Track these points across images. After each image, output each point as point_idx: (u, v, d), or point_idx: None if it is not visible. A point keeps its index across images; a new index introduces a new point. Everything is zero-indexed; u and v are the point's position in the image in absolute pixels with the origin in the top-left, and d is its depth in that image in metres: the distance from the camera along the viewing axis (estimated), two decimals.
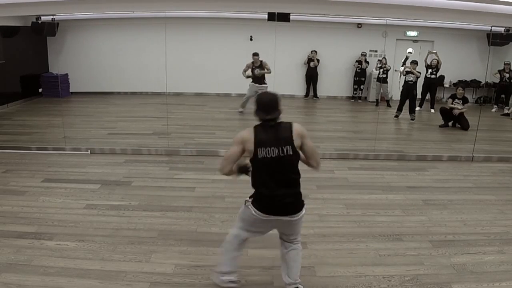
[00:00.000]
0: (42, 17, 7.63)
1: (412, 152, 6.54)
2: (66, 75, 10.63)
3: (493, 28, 7.29)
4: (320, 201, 4.56)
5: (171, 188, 4.83)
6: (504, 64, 9.59)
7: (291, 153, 2.59)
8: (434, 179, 5.42)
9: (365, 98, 11.42)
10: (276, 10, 6.01)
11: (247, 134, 2.61)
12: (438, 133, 8.13)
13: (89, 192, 4.62)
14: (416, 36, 10.82)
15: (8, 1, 5.96)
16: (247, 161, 2.70)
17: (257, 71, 8.47)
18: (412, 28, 10.53)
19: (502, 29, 7.37)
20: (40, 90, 10.29)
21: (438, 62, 9.36)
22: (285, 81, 10.64)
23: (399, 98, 9.10)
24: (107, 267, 3.16)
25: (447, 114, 8.41)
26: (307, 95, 11.33)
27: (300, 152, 2.70)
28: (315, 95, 11.20)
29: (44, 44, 10.74)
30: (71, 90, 10.80)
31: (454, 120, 8.45)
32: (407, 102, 8.88)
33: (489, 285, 3.05)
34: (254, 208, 2.65)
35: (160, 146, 6.30)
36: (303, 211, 2.72)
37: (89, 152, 6.14)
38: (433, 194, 4.86)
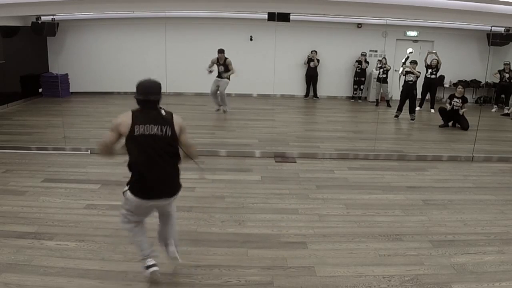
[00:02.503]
0: (42, 17, 7.61)
1: (412, 152, 6.54)
2: (66, 75, 10.62)
3: (493, 28, 7.29)
4: (320, 201, 4.56)
5: None
6: (504, 64, 9.59)
7: (169, 134, 2.62)
8: (434, 179, 5.42)
9: (365, 98, 11.42)
10: (276, 10, 6.01)
11: (122, 117, 2.64)
12: (438, 133, 8.13)
13: (89, 192, 4.62)
14: (416, 36, 10.82)
15: (8, 1, 5.96)
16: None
17: (220, 68, 8.58)
18: (412, 28, 10.53)
19: (502, 29, 7.37)
20: (40, 90, 10.28)
21: (438, 62, 9.36)
22: (285, 81, 10.65)
23: (399, 98, 9.10)
24: (107, 267, 3.16)
25: (446, 114, 8.41)
26: (307, 95, 11.33)
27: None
28: (315, 95, 11.20)
29: (44, 44, 10.73)
30: (71, 90, 10.80)
31: (454, 120, 8.45)
32: (407, 102, 8.88)
33: (489, 285, 3.05)
34: (132, 195, 2.66)
35: None
36: (179, 193, 2.79)
37: (89, 152, 6.14)
38: (433, 194, 4.86)
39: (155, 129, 2.59)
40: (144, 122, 2.59)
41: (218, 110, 8.94)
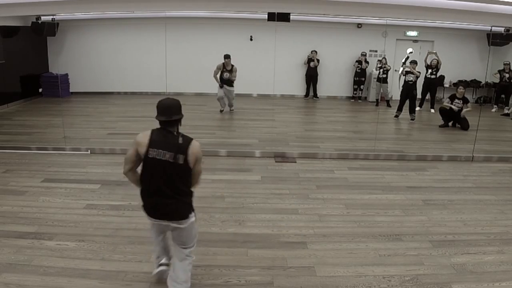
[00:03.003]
0: (42, 17, 7.62)
1: (412, 152, 6.54)
2: (66, 75, 10.63)
3: (493, 28, 7.29)
4: (320, 201, 4.56)
5: None
6: (504, 64, 9.59)
7: (181, 162, 2.59)
8: (434, 179, 5.42)
9: (365, 98, 11.42)
10: (276, 10, 6.01)
11: (142, 137, 2.65)
12: (438, 133, 8.13)
13: (89, 192, 4.62)
14: (416, 36, 10.82)
15: (8, 1, 5.96)
16: None
17: (226, 75, 8.49)
18: (412, 28, 10.53)
19: (502, 29, 7.37)
20: (40, 90, 10.28)
21: (438, 62, 9.36)
22: (285, 81, 10.66)
23: (399, 98, 9.10)
24: (107, 267, 3.16)
25: (447, 114, 8.41)
26: (307, 95, 11.33)
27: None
28: (315, 95, 11.21)
29: (44, 44, 10.74)
30: (71, 90, 10.80)
31: (454, 120, 8.45)
32: (407, 102, 8.88)
33: (489, 285, 3.05)
34: (143, 210, 2.75)
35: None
36: (189, 220, 2.70)
37: (89, 152, 6.14)
38: (433, 194, 4.86)
39: (167, 156, 2.58)
40: (159, 146, 2.59)
41: (222, 111, 8.95)
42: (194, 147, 2.62)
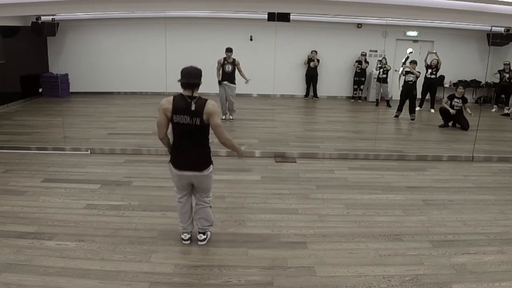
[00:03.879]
0: (42, 17, 7.62)
1: (412, 152, 6.54)
2: (66, 75, 10.63)
3: (493, 28, 7.29)
4: (320, 201, 4.56)
5: (171, 188, 4.76)
6: (504, 64, 9.59)
7: (198, 123, 3.10)
8: (434, 179, 5.42)
9: (365, 98, 11.42)
10: (276, 10, 6.01)
11: (166, 103, 3.12)
12: (438, 133, 8.13)
13: (89, 192, 4.62)
14: (416, 36, 10.82)
15: (8, 1, 5.96)
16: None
17: (228, 67, 8.07)
18: (412, 28, 10.54)
19: (502, 29, 7.37)
20: (40, 90, 10.28)
21: (438, 62, 9.36)
22: (285, 81, 10.65)
23: (399, 98, 9.10)
24: (107, 267, 3.16)
25: (446, 114, 8.41)
26: (307, 95, 11.33)
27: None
28: (315, 95, 11.21)
29: (44, 44, 10.74)
30: (71, 90, 10.80)
31: (454, 120, 8.45)
32: (407, 102, 8.89)
33: (489, 285, 3.05)
34: (171, 165, 3.30)
35: (160, 146, 6.28)
36: (209, 169, 3.31)
37: (89, 152, 6.14)
38: (433, 194, 4.86)
39: (187, 119, 3.09)
40: (180, 112, 3.09)
41: (224, 118, 8.35)
42: (208, 107, 3.10)
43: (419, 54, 10.10)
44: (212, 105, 3.12)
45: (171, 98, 3.12)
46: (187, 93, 3.11)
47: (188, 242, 3.52)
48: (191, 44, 10.60)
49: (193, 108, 3.07)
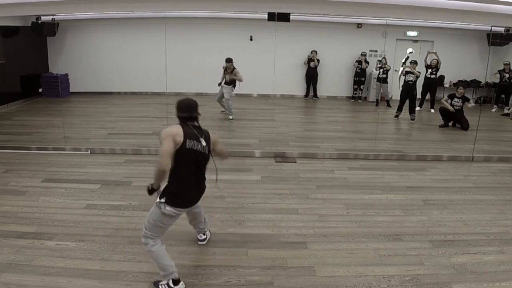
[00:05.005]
0: (42, 17, 7.62)
1: (412, 152, 6.54)
2: (66, 75, 10.63)
3: (493, 28, 7.28)
4: (320, 201, 4.56)
5: None
6: (504, 64, 9.59)
7: (207, 151, 2.96)
8: (434, 179, 5.42)
9: (365, 98, 11.42)
10: (276, 10, 6.01)
11: (175, 129, 2.82)
12: (438, 133, 8.13)
13: (89, 192, 4.62)
14: (416, 36, 10.82)
15: (8, 1, 5.96)
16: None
17: (227, 78, 8.36)
18: (412, 28, 10.53)
19: (502, 29, 7.37)
20: (40, 90, 10.28)
21: (438, 62, 9.36)
22: (285, 81, 10.65)
23: (399, 98, 9.10)
24: (107, 267, 3.16)
25: (447, 114, 8.41)
26: (307, 95, 11.33)
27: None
28: (315, 95, 11.20)
29: (44, 44, 10.73)
30: (71, 90, 10.80)
31: (454, 120, 8.45)
32: (407, 102, 8.89)
33: (489, 285, 3.05)
34: (171, 207, 2.82)
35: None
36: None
37: (89, 152, 6.14)
38: (433, 194, 4.86)
39: (199, 147, 2.88)
40: (192, 138, 2.84)
41: (222, 111, 8.79)
42: (213, 136, 3.03)
43: (419, 54, 10.09)
44: (214, 134, 3.06)
45: (178, 125, 2.85)
46: (190, 122, 2.90)
47: (204, 242, 3.53)
48: (191, 44, 10.60)
49: (203, 135, 2.91)
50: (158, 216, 2.84)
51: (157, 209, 2.83)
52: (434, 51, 9.51)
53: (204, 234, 3.55)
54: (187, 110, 2.91)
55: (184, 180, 2.86)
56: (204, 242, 3.53)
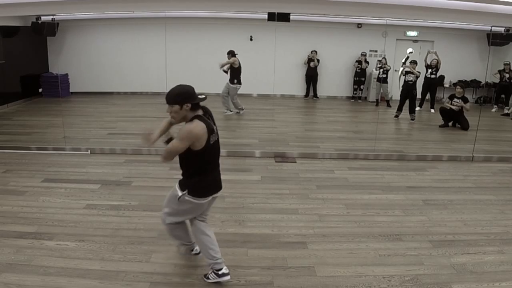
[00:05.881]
0: (42, 17, 7.62)
1: (412, 152, 6.54)
2: (66, 75, 10.63)
3: (493, 28, 7.29)
4: (320, 201, 4.56)
5: (171, 188, 4.81)
6: (504, 64, 9.58)
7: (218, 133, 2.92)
8: (434, 179, 5.42)
9: (365, 98, 11.42)
10: (276, 10, 6.01)
11: (201, 130, 2.65)
12: (438, 133, 8.13)
13: (89, 192, 4.62)
14: (416, 36, 10.82)
15: (8, 1, 5.96)
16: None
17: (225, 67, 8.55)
18: (412, 28, 10.53)
19: (502, 29, 7.37)
20: (40, 90, 10.28)
21: (438, 62, 9.35)
22: (285, 81, 10.65)
23: (399, 98, 9.10)
24: (107, 267, 3.16)
25: (447, 114, 8.41)
26: (307, 95, 11.33)
27: None
28: (315, 95, 11.20)
29: (44, 44, 10.73)
30: (71, 90, 10.80)
31: (454, 120, 8.45)
32: (407, 102, 8.89)
33: (489, 285, 3.05)
34: (196, 198, 2.82)
35: (160, 146, 6.28)
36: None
37: (89, 152, 6.14)
38: (433, 194, 4.86)
39: (217, 136, 2.88)
40: (211, 131, 2.76)
41: (225, 112, 8.76)
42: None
43: (419, 54, 10.09)
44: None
45: (201, 123, 2.68)
46: (199, 111, 2.77)
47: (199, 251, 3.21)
48: (191, 44, 10.60)
49: (211, 120, 2.84)
50: (182, 207, 2.94)
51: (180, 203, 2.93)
52: (434, 50, 9.51)
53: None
54: (192, 96, 2.68)
55: (214, 172, 2.89)
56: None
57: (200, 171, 2.81)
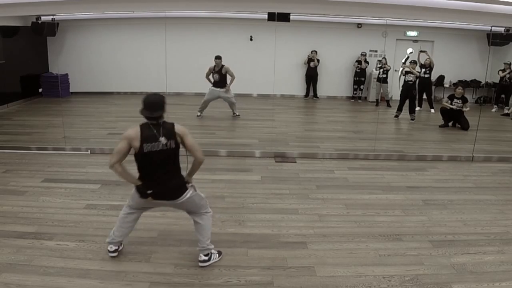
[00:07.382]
0: (42, 17, 7.62)
1: (412, 152, 6.54)
2: (66, 75, 10.62)
3: (493, 28, 7.28)
4: (320, 201, 4.56)
5: None
6: (504, 64, 9.58)
7: (173, 146, 2.92)
8: (434, 179, 5.42)
9: (365, 98, 11.42)
10: (276, 10, 6.01)
11: (133, 133, 2.89)
12: (438, 133, 8.13)
13: (89, 192, 4.62)
14: (416, 36, 10.82)
15: (8, 1, 5.96)
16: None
17: (215, 76, 8.15)
18: (412, 28, 10.53)
19: (502, 29, 7.36)
20: (40, 90, 10.28)
21: (430, 61, 9.35)
22: (285, 81, 10.66)
23: (399, 98, 9.10)
24: (107, 267, 3.16)
25: (447, 114, 8.41)
26: (307, 95, 11.33)
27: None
28: (315, 95, 11.21)
29: (44, 44, 10.73)
30: (71, 90, 10.80)
31: (454, 120, 8.45)
32: (407, 102, 8.89)
33: (489, 285, 3.05)
34: (141, 194, 3.03)
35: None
36: (185, 195, 3.05)
37: (89, 152, 6.14)
38: (433, 194, 4.86)
39: (161, 145, 2.89)
40: (151, 140, 2.87)
41: (198, 115, 8.57)
42: (178, 128, 2.95)
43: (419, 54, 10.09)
44: (182, 127, 2.97)
45: (137, 127, 2.91)
46: (152, 122, 2.91)
47: (115, 254, 3.26)
48: (191, 44, 10.60)
49: (167, 127, 2.91)
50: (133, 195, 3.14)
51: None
52: (425, 50, 9.48)
53: (206, 256, 3.20)
54: (148, 108, 2.88)
55: (150, 180, 2.98)
56: (204, 264, 3.18)
57: (138, 172, 3.03)
